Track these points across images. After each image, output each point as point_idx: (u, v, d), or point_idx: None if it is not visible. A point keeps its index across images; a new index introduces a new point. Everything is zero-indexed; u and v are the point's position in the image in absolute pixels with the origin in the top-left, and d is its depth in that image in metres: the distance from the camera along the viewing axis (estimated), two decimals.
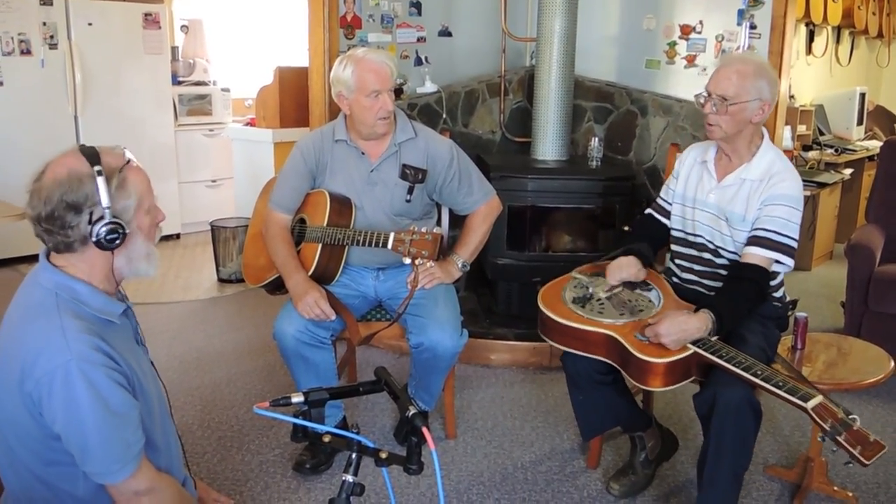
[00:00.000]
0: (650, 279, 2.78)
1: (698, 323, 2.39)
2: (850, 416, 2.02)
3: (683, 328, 2.36)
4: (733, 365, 2.25)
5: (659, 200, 2.96)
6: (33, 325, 1.66)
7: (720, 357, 2.29)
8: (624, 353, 2.42)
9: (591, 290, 2.73)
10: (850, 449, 1.95)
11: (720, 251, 2.71)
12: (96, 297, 1.73)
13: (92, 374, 1.62)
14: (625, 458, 3.00)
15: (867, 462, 1.94)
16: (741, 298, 2.55)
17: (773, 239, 2.54)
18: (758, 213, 2.59)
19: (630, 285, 2.74)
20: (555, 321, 2.60)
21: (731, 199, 2.66)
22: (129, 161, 1.73)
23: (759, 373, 2.20)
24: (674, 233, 2.87)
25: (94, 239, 1.68)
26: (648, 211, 3.00)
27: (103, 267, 1.74)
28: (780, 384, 2.15)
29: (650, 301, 2.67)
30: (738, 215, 2.63)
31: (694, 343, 2.35)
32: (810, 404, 2.06)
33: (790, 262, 2.57)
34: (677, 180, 2.87)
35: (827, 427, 2.00)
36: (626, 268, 2.71)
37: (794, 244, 2.57)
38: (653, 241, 2.92)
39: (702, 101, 2.63)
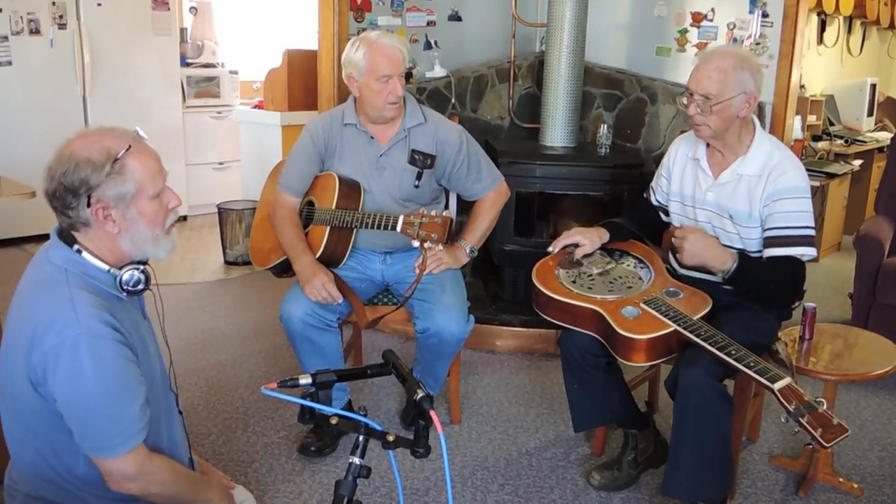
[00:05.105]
0: (644, 256, 2.81)
1: (722, 254, 2.53)
2: (817, 400, 2.08)
3: (707, 245, 2.53)
4: (709, 344, 2.29)
5: (652, 196, 2.95)
6: (43, 299, 1.67)
7: (698, 335, 2.33)
8: (608, 328, 2.46)
9: (583, 266, 2.76)
10: (811, 430, 2.02)
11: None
12: (105, 273, 1.73)
13: (100, 348, 1.62)
14: (615, 452, 2.99)
15: (827, 444, 2.01)
16: (770, 273, 2.55)
17: (789, 234, 2.51)
18: (766, 211, 2.55)
19: (623, 259, 2.81)
20: (546, 295, 2.64)
21: (730, 195, 2.62)
22: (129, 147, 1.70)
23: (732, 352, 2.26)
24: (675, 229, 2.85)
25: (91, 224, 1.69)
26: (645, 196, 3.02)
27: (111, 247, 1.74)
28: (751, 364, 2.22)
29: (640, 279, 2.70)
30: (743, 213, 2.60)
31: (674, 321, 2.39)
32: (777, 385, 2.13)
33: (811, 251, 2.54)
34: (670, 177, 2.85)
35: (791, 408, 2.07)
36: (570, 237, 2.78)
37: (812, 232, 2.54)
38: (643, 223, 2.98)
39: (685, 101, 2.58)
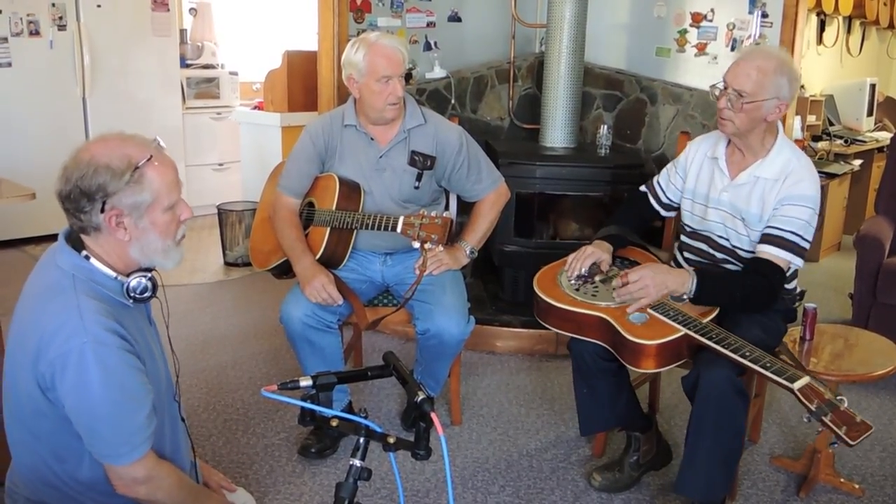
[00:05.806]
0: (641, 260, 2.78)
1: (680, 275, 2.47)
2: (838, 398, 2.04)
3: (659, 272, 2.46)
4: (723, 346, 2.26)
5: (658, 191, 2.92)
6: (50, 305, 1.66)
7: (710, 339, 2.30)
8: (617, 335, 2.43)
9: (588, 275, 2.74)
10: (836, 429, 1.97)
11: (737, 250, 2.66)
12: (112, 280, 1.73)
13: (107, 357, 1.62)
14: (617, 453, 2.98)
15: (852, 442, 1.96)
16: (738, 283, 2.54)
17: (789, 239, 2.49)
18: (773, 213, 2.53)
19: (625, 266, 2.76)
20: (549, 304, 2.61)
21: (746, 198, 2.60)
22: (150, 157, 1.70)
23: (747, 354, 2.23)
24: (685, 227, 2.84)
25: (102, 229, 1.69)
26: (643, 190, 2.98)
27: (119, 254, 1.74)
28: (768, 365, 2.18)
29: None
30: (755, 215, 2.58)
31: (684, 325, 2.35)
32: (796, 385, 2.09)
33: (800, 262, 2.53)
34: (686, 175, 2.82)
35: (812, 408, 2.02)
36: (589, 257, 2.73)
37: (806, 245, 2.52)
38: (639, 223, 2.96)
39: (717, 93, 2.54)
